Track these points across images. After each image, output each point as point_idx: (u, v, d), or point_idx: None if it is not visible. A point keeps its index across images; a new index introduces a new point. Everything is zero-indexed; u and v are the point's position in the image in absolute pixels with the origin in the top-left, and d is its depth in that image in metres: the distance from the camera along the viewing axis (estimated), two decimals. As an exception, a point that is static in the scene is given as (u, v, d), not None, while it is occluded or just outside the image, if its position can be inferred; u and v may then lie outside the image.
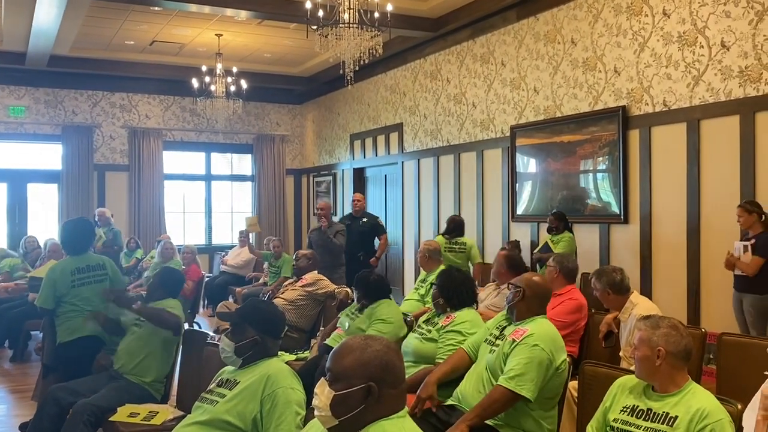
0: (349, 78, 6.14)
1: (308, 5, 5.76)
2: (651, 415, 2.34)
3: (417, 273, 8.03)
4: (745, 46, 5.33)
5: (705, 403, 2.25)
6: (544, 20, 7.30)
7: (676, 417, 2.26)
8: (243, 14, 8.10)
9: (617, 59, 6.44)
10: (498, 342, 3.10)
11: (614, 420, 2.42)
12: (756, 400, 2.44)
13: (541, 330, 3.01)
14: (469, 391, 3.05)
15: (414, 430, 1.78)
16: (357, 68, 6.10)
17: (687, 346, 2.38)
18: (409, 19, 8.25)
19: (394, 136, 10.20)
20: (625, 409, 2.42)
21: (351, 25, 5.74)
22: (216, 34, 9.33)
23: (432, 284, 4.32)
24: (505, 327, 3.18)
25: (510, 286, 3.27)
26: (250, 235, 10.01)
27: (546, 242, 6.58)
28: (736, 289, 5.04)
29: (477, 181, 8.38)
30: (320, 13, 5.75)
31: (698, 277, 5.70)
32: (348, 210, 9.72)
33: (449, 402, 3.15)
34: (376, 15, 5.84)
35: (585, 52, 6.80)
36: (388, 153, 10.37)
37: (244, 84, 9.62)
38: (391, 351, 1.83)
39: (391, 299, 4.41)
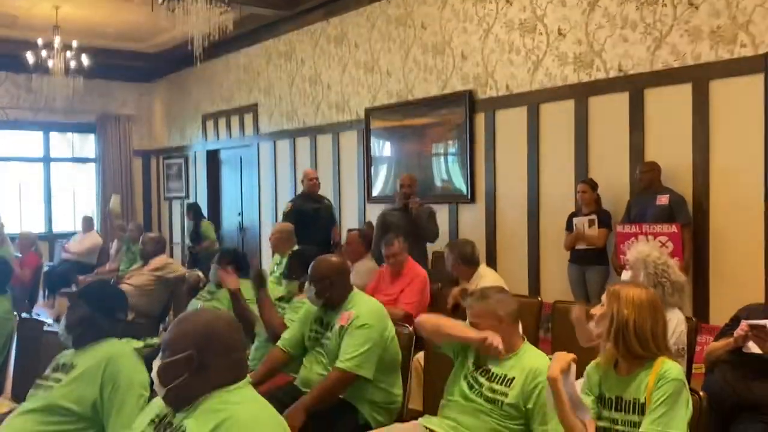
0: (198, 55, 5.93)
1: (153, -23, 5.51)
2: (492, 376, 2.48)
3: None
4: (578, 34, 5.71)
5: (538, 362, 2.42)
6: (396, 4, 7.42)
7: (513, 378, 2.41)
8: (82, -16, 7.59)
9: (464, 44, 6.68)
10: (326, 335, 3.10)
11: (464, 377, 2.55)
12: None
13: (365, 308, 3.05)
14: (314, 378, 3.06)
15: (256, 399, 1.77)
16: (206, 45, 5.92)
17: (516, 307, 2.55)
18: (262, -3, 8.10)
19: (248, 117, 10.00)
20: (474, 365, 2.55)
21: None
22: (54, 6, 8.67)
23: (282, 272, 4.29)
24: (322, 318, 3.17)
25: (311, 281, 3.14)
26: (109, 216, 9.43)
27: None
28: (578, 263, 5.41)
29: (333, 163, 8.42)
30: (166, -15, 5.52)
31: (537, 251, 6.07)
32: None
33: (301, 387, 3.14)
34: (226, -10, 5.69)
35: (434, 37, 6.99)
36: (243, 134, 10.17)
37: (85, 60, 9.02)
38: (221, 320, 1.83)
39: None
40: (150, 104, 12.62)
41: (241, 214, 10.40)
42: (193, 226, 8.97)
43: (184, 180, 11.60)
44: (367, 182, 7.91)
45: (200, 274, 5.25)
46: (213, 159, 11.03)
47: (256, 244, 9.88)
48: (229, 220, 10.76)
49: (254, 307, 3.79)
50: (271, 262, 5.80)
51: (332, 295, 3.13)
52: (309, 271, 3.20)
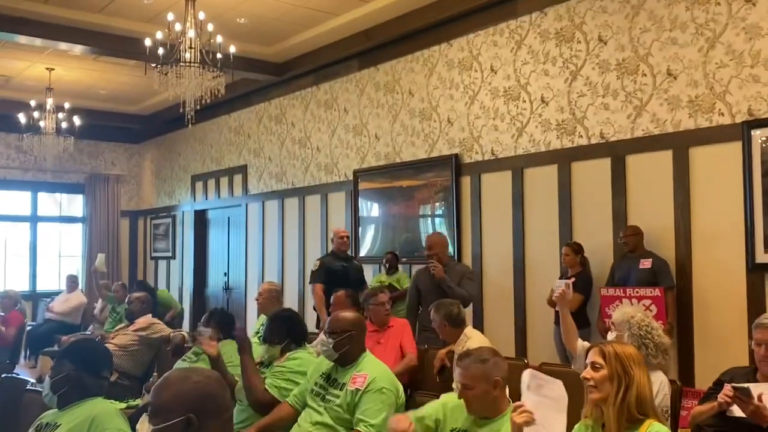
0: (189, 117, 6.04)
1: (148, 43, 5.65)
2: (477, 440, 2.47)
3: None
4: (561, 102, 5.88)
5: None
6: (384, 71, 7.63)
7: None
8: (78, 49, 7.75)
9: (450, 110, 6.85)
10: (332, 392, 3.09)
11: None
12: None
13: (378, 371, 3.06)
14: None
15: None
16: (198, 108, 6.03)
17: (507, 371, 2.56)
18: (253, 62, 8.30)
19: (238, 178, 10.10)
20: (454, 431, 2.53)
21: (192, 65, 5.68)
22: (47, 68, 8.83)
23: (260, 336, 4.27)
24: (330, 374, 3.18)
25: (327, 333, 3.18)
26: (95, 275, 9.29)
27: (389, 282, 6.76)
28: (557, 324, 5.44)
29: (321, 224, 8.47)
30: (160, 51, 5.65)
31: (524, 313, 6.09)
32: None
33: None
34: (219, 56, 5.84)
35: (421, 103, 7.17)
36: (232, 195, 10.24)
37: (76, 120, 9.14)
38: (213, 381, 1.82)
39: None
40: (140, 164, 12.72)
41: (227, 274, 10.37)
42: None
43: (171, 239, 11.59)
44: (355, 242, 7.95)
45: (185, 334, 5.21)
46: (201, 219, 11.07)
47: (241, 304, 9.83)
48: (215, 279, 10.72)
49: (236, 370, 3.74)
50: (256, 323, 5.78)
51: (350, 350, 3.12)
52: (328, 324, 3.22)
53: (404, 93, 7.38)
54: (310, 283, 6.29)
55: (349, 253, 6.74)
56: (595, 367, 2.30)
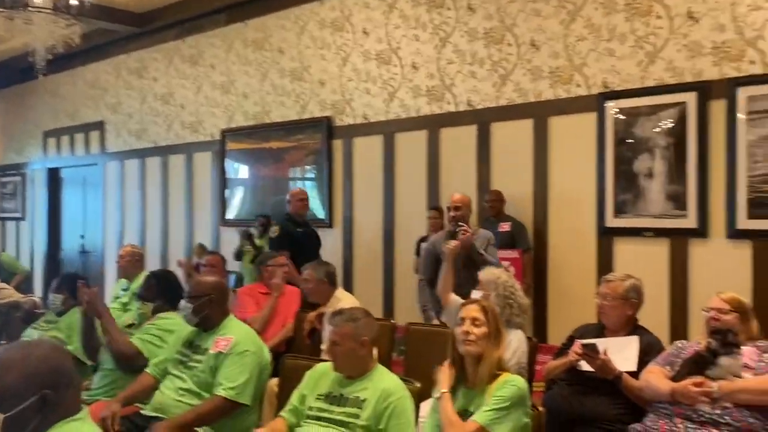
0: (40, 68, 5.58)
1: (-10, -18, 5.14)
2: (344, 400, 2.50)
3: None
4: (431, 68, 5.96)
5: (389, 383, 2.47)
6: (254, 27, 7.40)
7: (366, 399, 2.45)
8: None
9: (322, 71, 6.76)
10: (194, 358, 3.03)
11: (310, 408, 2.54)
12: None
13: (242, 333, 3.03)
14: (170, 402, 2.95)
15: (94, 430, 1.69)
16: (50, 58, 5.59)
17: (377, 332, 2.61)
18: (112, 11, 7.77)
19: (94, 135, 9.49)
20: (321, 397, 2.55)
21: (43, 10, 5.24)
22: None
23: (135, 293, 4.11)
24: (193, 341, 3.12)
25: (189, 297, 3.13)
26: None
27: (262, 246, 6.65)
28: (423, 286, 5.57)
29: (186, 185, 8.18)
30: (7, -8, 5.16)
31: (392, 275, 6.21)
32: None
33: (148, 413, 3.02)
34: (74, 2, 5.41)
35: (292, 62, 7.03)
36: (88, 152, 9.63)
37: None
38: (56, 351, 1.71)
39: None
40: (-18, 117, 11.65)
41: (83, 236, 9.80)
42: None
43: (20, 199, 10.79)
44: (222, 205, 7.75)
45: (36, 300, 4.90)
46: (54, 178, 10.35)
47: (99, 268, 9.33)
48: (70, 242, 10.10)
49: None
50: (115, 286, 5.50)
51: (210, 315, 3.05)
52: (188, 288, 3.13)
53: (274, 51, 7.20)
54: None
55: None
56: (475, 323, 2.40)
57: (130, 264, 5.23)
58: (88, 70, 9.56)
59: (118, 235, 9.01)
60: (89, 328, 3.67)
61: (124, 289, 5.22)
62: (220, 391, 2.84)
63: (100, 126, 9.37)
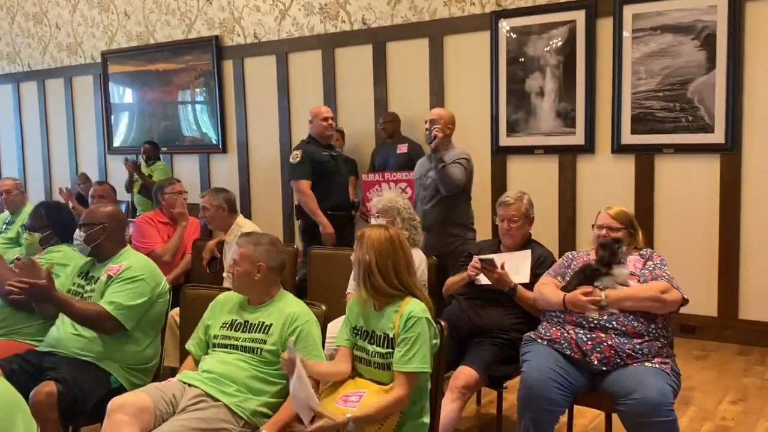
0: None
1: None
2: (248, 326, 2.49)
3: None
4: (324, -15, 5.78)
5: (295, 308, 2.48)
6: (132, -61, 6.88)
7: (271, 324, 2.45)
8: None
9: (209, -13, 6.42)
10: (88, 288, 2.92)
11: (215, 336, 2.52)
12: None
13: (137, 261, 2.94)
14: (66, 336, 2.85)
15: None
16: None
17: (283, 260, 2.59)
18: None
19: (-42, 58, 8.70)
20: (224, 325, 2.53)
21: None
22: None
23: (23, 225, 3.84)
24: (88, 271, 3.00)
25: (82, 226, 2.96)
26: None
27: (149, 173, 6.40)
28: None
29: (67, 111, 7.69)
30: None
31: (291, 199, 6.16)
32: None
33: (43, 350, 2.90)
34: None
35: (176, -22, 6.62)
36: (-48, 78, 8.84)
37: None
38: None
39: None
40: None
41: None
42: None
43: None
44: (107, 131, 7.36)
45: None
46: None
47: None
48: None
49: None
50: (-2, 221, 5.18)
51: (104, 243, 2.91)
52: (82, 216, 2.96)
53: (156, -34, 6.74)
54: (291, 179, 4.75)
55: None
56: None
57: (18, 197, 4.98)
58: (-56, -15, 8.65)
59: (-6, 167, 8.43)
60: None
61: (8, 223, 4.93)
62: (102, 303, 2.75)
63: (-37, 48, 8.58)
